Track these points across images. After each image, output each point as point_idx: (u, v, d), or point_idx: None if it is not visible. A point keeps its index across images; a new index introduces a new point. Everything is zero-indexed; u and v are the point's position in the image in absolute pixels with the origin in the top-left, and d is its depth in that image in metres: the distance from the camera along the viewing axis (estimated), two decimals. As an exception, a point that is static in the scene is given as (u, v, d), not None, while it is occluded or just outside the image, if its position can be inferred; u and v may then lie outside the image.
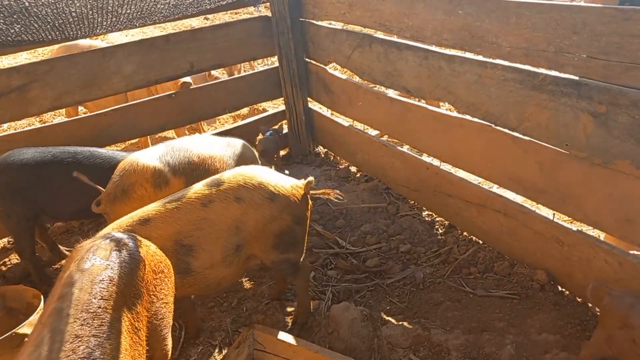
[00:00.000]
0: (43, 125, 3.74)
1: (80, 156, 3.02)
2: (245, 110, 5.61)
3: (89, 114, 3.93)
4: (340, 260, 3.09)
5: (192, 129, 5.20)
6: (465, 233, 3.20)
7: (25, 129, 3.99)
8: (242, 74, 4.95)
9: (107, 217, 2.74)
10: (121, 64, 3.68)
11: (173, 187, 2.74)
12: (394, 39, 3.42)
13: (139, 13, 1.27)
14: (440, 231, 3.30)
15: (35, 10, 0.99)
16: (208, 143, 3.02)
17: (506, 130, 2.64)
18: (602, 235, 2.67)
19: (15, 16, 1.01)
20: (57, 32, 1.15)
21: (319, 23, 4.08)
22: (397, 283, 2.91)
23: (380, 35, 3.51)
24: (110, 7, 1.13)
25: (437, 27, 2.88)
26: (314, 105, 4.57)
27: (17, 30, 1.11)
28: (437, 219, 3.40)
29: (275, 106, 5.50)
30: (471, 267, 2.92)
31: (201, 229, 2.22)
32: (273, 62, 6.19)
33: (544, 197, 2.56)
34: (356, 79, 3.93)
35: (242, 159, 3.08)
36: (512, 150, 2.64)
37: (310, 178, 2.44)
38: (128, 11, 1.22)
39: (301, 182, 2.44)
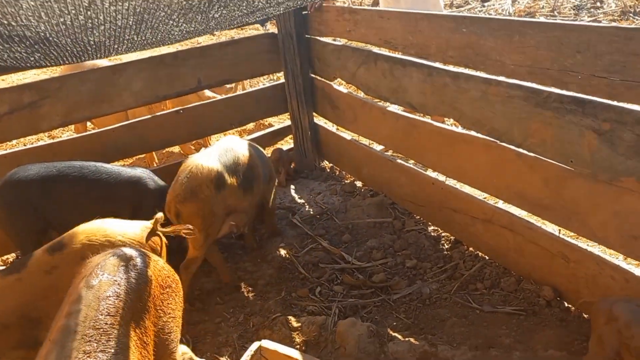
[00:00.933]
0: (53, 141, 3.79)
1: (86, 171, 3.06)
2: (251, 126, 5.66)
3: (97, 130, 3.97)
4: (346, 276, 3.11)
5: (198, 144, 5.24)
6: (471, 249, 3.20)
7: (35, 144, 4.05)
8: (247, 89, 5.00)
9: (173, 220, 2.83)
10: (131, 80, 3.74)
11: (229, 187, 2.90)
12: (399, 55, 3.46)
13: (154, 39, 1.32)
14: (447, 246, 3.30)
15: (55, 40, 1.03)
16: (242, 143, 3.22)
17: (511, 147, 2.66)
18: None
19: (36, 46, 1.04)
20: (75, 58, 1.19)
21: (325, 40, 4.14)
22: (404, 299, 2.92)
23: (385, 52, 3.55)
24: (127, 36, 1.17)
25: (442, 44, 2.92)
26: (319, 120, 4.61)
27: (37, 57, 1.15)
28: (443, 234, 3.41)
29: (281, 121, 5.54)
30: (478, 282, 2.93)
31: (47, 298, 2.10)
32: (279, 77, 6.25)
33: (549, 213, 2.57)
34: (361, 94, 3.97)
35: (264, 158, 3.40)
36: (518, 166, 2.66)
37: (159, 215, 2.33)
38: (143, 38, 1.26)
39: (150, 223, 2.34)
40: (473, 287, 2.91)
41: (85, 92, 3.58)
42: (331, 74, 4.15)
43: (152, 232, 2.31)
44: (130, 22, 1.11)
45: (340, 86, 4.21)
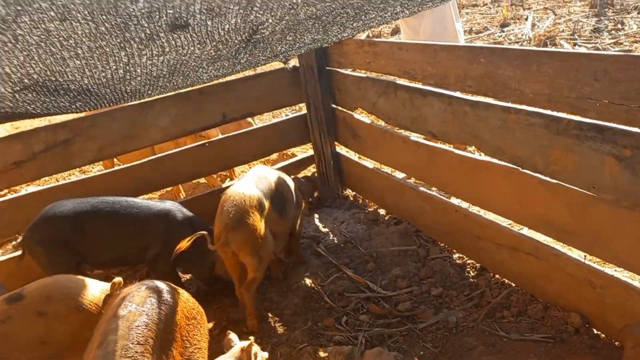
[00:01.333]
0: (85, 176, 3.93)
1: (118, 206, 3.17)
2: (275, 156, 5.76)
3: (127, 165, 4.11)
4: (372, 305, 3.12)
5: (223, 175, 5.36)
6: (497, 276, 3.19)
7: (67, 180, 4.19)
8: (272, 121, 5.11)
9: (222, 253, 2.98)
10: (158, 117, 3.87)
11: (269, 212, 3.06)
12: (419, 85, 3.53)
13: (184, 84, 1.40)
14: (472, 274, 3.30)
15: (96, 91, 1.11)
16: (272, 171, 3.40)
17: (533, 173, 2.68)
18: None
19: (79, 97, 1.13)
20: (111, 104, 1.28)
21: (345, 71, 4.23)
22: (430, 327, 2.91)
23: (404, 82, 3.62)
24: (160, 83, 1.26)
25: (460, 74, 2.97)
26: (341, 149, 4.68)
27: (78, 105, 1.24)
28: (469, 261, 3.41)
29: (304, 151, 5.63)
30: (504, 310, 2.91)
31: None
32: (300, 108, 6.37)
33: (574, 239, 2.57)
34: (382, 123, 4.03)
35: (293, 185, 3.56)
36: (540, 192, 2.67)
37: (117, 279, 2.33)
38: (175, 84, 1.35)
39: (109, 285, 2.35)
40: (500, 315, 2.89)
41: (115, 129, 3.72)
42: (352, 104, 4.23)
43: (109, 295, 2.30)
44: (164, 72, 1.20)
45: (361, 115, 4.28)
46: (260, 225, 2.94)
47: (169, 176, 4.12)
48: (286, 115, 6.58)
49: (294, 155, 5.63)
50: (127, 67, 1.07)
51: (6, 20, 0.76)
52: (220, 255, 3.07)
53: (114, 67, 1.05)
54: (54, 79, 1.01)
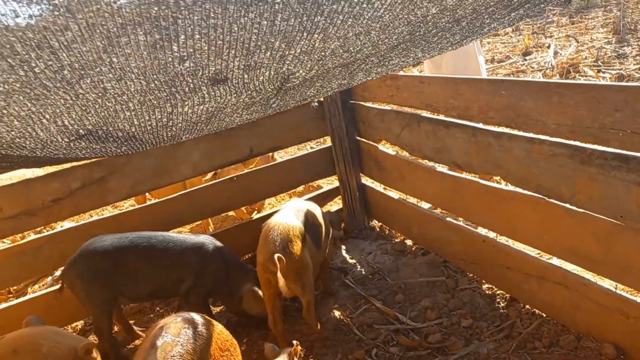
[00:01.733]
0: (119, 211, 4.06)
1: (154, 240, 3.27)
2: (301, 188, 5.84)
3: (158, 200, 4.24)
4: (402, 337, 3.12)
5: (251, 208, 5.45)
6: (527, 306, 3.17)
7: (102, 216, 4.34)
8: (297, 154, 5.22)
9: (264, 281, 3.05)
10: (189, 153, 4.00)
11: (308, 242, 3.20)
12: (442, 117, 3.59)
13: (219, 127, 1.50)
14: (502, 304, 3.28)
15: (140, 136, 1.21)
16: (306, 204, 3.55)
17: (560, 203, 2.69)
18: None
19: (125, 142, 1.23)
20: (152, 146, 1.38)
21: (368, 104, 4.33)
22: (461, 359, 2.90)
23: (427, 114, 3.69)
24: (197, 128, 1.35)
25: (483, 106, 3.03)
26: (366, 180, 4.74)
27: (123, 149, 1.34)
28: (498, 292, 3.39)
29: (329, 183, 5.70)
30: (536, 341, 2.89)
31: None
32: (325, 140, 6.47)
33: (603, 268, 2.56)
34: (406, 154, 4.09)
35: (324, 216, 3.70)
36: (567, 222, 2.67)
37: (87, 342, 2.33)
38: (211, 127, 1.44)
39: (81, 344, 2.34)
40: (531, 346, 2.87)
41: (148, 166, 3.86)
42: (376, 136, 4.31)
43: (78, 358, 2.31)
44: (202, 118, 1.29)
45: (385, 146, 4.35)
46: (303, 253, 3.05)
47: (198, 210, 4.22)
48: (311, 147, 6.69)
49: (320, 187, 5.71)
50: (170, 116, 1.16)
51: (70, 82, 0.86)
52: (261, 282, 3.13)
53: (159, 116, 1.14)
54: (105, 128, 1.10)
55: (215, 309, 3.77)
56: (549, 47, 8.62)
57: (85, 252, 3.19)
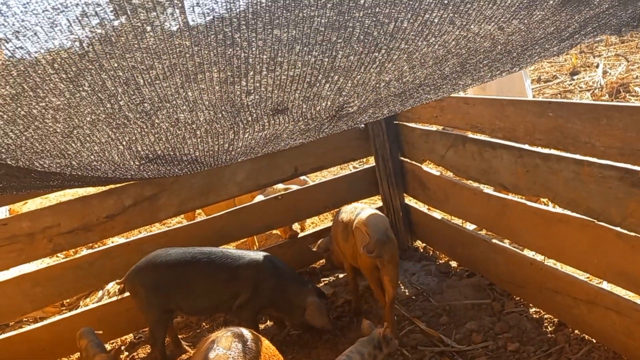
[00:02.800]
0: (168, 228, 4.21)
1: (214, 256, 3.40)
2: (344, 207, 5.88)
3: (206, 217, 4.37)
4: (447, 359, 3.10)
5: (286, 233, 5.52)
6: (576, 331, 3.10)
7: (151, 233, 4.50)
8: (341, 173, 5.28)
9: (370, 267, 3.29)
10: (235, 172, 4.13)
11: None
12: (487, 138, 3.58)
13: (273, 150, 1.58)
14: (550, 329, 3.22)
15: (202, 160, 1.30)
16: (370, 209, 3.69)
17: (610, 226, 2.64)
18: None
19: (188, 165, 1.32)
20: (210, 167, 1.47)
21: (412, 125, 4.35)
22: (507, 383, 2.86)
23: (472, 135, 3.69)
24: (254, 152, 1.44)
25: (529, 128, 3.02)
26: (410, 201, 4.74)
27: (185, 171, 1.43)
28: (546, 316, 3.33)
29: (372, 203, 5.73)
30: (586, 367, 2.82)
31: None
32: (368, 160, 6.51)
33: (658, 294, 2.49)
34: (450, 175, 4.08)
35: None
36: (618, 245, 2.61)
37: None
38: (266, 151, 1.52)
39: None
40: (581, 373, 2.80)
41: (196, 185, 4.00)
42: (420, 156, 4.32)
43: None
44: (260, 143, 1.36)
45: (429, 167, 4.36)
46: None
47: (244, 228, 4.33)
48: (354, 167, 6.74)
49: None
50: (232, 142, 1.24)
51: (149, 113, 0.95)
52: (365, 272, 3.37)
53: (222, 142, 1.22)
54: (172, 153, 1.19)
55: (261, 326, 3.83)
56: (597, 66, 8.44)
57: (151, 263, 3.35)
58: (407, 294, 3.92)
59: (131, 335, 4.06)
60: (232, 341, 2.13)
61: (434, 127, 4.36)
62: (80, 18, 0.70)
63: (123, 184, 3.86)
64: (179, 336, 3.78)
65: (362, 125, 4.46)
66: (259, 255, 3.50)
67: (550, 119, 2.83)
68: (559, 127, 2.79)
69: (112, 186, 3.81)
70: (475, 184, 3.90)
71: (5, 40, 0.71)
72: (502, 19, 1.00)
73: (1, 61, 0.76)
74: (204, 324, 4.06)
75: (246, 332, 2.24)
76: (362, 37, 0.89)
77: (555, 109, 2.79)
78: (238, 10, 0.84)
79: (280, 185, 5.07)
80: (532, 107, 2.97)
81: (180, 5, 0.79)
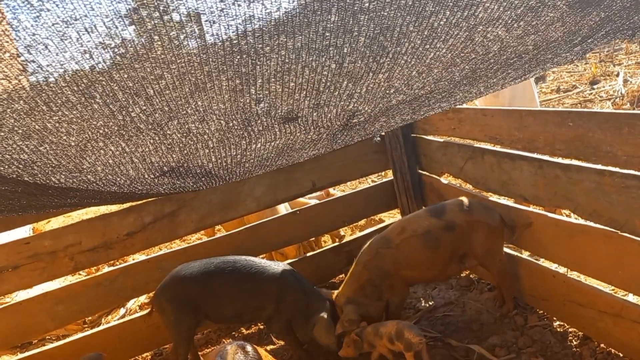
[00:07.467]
0: (188, 245, 4.23)
1: (239, 265, 3.41)
2: (363, 222, 5.85)
3: (225, 233, 4.38)
4: (469, 374, 3.04)
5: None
6: (602, 345, 3.01)
7: (170, 249, 4.53)
8: (359, 187, 5.26)
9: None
10: (253, 187, 4.14)
11: None
12: (506, 150, 3.54)
13: (286, 163, 1.59)
14: (575, 343, 3.13)
15: (215, 173, 1.31)
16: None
17: (634, 237, 2.57)
18: None
19: (202, 178, 1.34)
20: (225, 182, 1.48)
21: (430, 137, 4.33)
22: (532, 400, 2.78)
23: (490, 146, 3.65)
24: (267, 164, 1.44)
25: (549, 138, 2.97)
26: (429, 214, 4.69)
27: (199, 185, 1.45)
28: (570, 329, 3.24)
29: (391, 216, 5.69)
30: (613, 382, 2.73)
31: None
32: (386, 173, 6.49)
33: (687, 306, 2.41)
34: (469, 187, 4.04)
35: None
36: (644, 257, 2.55)
37: None
38: (279, 163, 1.53)
39: None
40: (609, 388, 2.71)
41: (215, 201, 4.02)
42: (438, 169, 4.29)
43: None
44: (272, 155, 1.37)
45: (447, 179, 4.32)
46: None
47: (263, 243, 4.32)
48: (372, 181, 6.72)
49: (381, 220, 5.70)
50: (244, 152, 1.25)
51: (160, 124, 0.96)
52: None
53: (234, 153, 1.23)
54: (186, 165, 1.20)
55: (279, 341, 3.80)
56: (617, 75, 8.33)
57: (175, 278, 3.36)
58: (428, 307, 3.86)
59: (150, 352, 4.07)
60: (234, 352, 2.29)
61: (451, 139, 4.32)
62: (89, 30, 0.72)
63: (142, 201, 3.91)
64: (199, 353, 3.78)
65: (378, 138, 4.45)
66: (281, 267, 3.49)
67: (571, 128, 2.79)
68: (579, 136, 2.75)
69: (132, 203, 3.85)
70: (495, 197, 3.85)
71: (18, 55, 0.73)
72: (508, 21, 1.00)
73: (15, 76, 0.78)
74: (224, 339, 4.05)
75: (246, 344, 2.38)
76: (368, 41, 0.89)
77: (575, 119, 2.75)
78: (253, 27, 0.85)
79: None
80: (552, 117, 2.93)
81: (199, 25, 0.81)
